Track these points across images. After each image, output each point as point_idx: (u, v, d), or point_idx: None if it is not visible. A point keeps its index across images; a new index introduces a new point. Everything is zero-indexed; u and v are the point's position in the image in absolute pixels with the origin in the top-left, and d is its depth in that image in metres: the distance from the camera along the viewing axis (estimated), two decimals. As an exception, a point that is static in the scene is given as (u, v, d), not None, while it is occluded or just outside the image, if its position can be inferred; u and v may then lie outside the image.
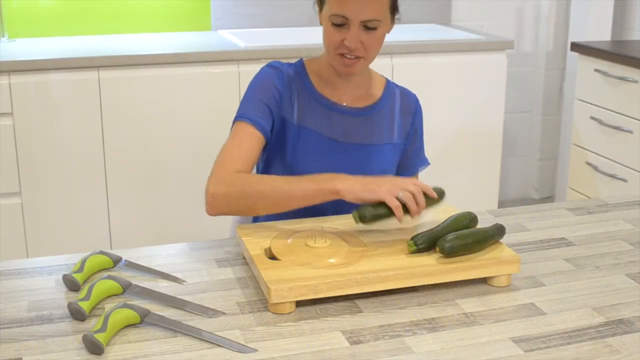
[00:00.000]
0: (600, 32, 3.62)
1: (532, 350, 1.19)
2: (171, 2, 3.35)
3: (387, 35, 1.69)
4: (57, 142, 2.82)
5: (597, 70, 3.20)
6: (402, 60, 3.10)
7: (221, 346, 1.19)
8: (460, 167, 3.32)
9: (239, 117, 1.69)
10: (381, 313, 1.30)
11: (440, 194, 1.55)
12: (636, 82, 3.00)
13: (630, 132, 3.05)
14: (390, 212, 1.46)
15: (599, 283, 1.43)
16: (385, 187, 1.47)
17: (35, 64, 2.74)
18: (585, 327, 1.27)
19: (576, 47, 3.31)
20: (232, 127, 1.70)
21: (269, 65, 1.76)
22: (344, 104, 1.75)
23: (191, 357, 1.16)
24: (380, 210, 1.47)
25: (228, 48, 2.98)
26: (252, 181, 1.57)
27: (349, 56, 1.64)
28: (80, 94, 2.81)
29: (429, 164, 1.88)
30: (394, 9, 1.67)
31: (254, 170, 1.76)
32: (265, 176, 1.65)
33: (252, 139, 1.66)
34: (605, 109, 3.19)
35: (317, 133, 1.72)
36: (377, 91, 1.79)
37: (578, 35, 3.66)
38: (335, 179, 1.51)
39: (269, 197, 1.55)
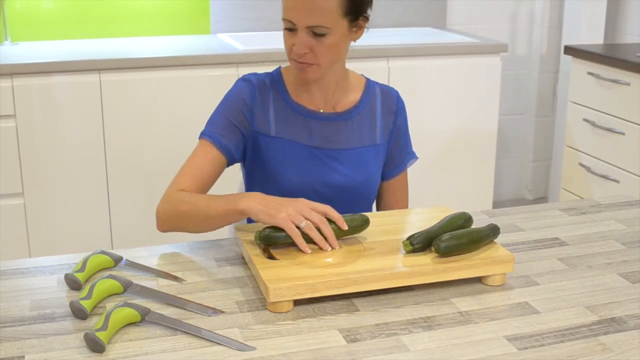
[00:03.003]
0: (593, 36, 3.63)
1: (526, 348, 1.21)
2: (171, 5, 3.36)
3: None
4: (59, 143, 2.83)
5: (590, 73, 3.22)
6: (398, 63, 3.11)
7: (220, 344, 1.20)
8: (456, 168, 3.34)
9: (202, 135, 1.69)
10: (378, 312, 1.31)
11: (362, 222, 1.48)
12: (628, 84, 3.01)
13: (623, 133, 3.07)
14: (290, 238, 1.41)
15: (592, 282, 1.44)
16: (284, 213, 1.41)
17: (38, 66, 2.76)
18: (578, 325, 1.28)
19: (569, 50, 3.32)
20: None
21: (242, 79, 1.74)
22: (322, 110, 1.72)
23: (191, 355, 1.17)
24: (280, 234, 1.42)
25: (227, 51, 2.99)
26: (184, 201, 1.57)
27: (300, 61, 1.62)
28: (82, 96, 2.82)
29: (417, 158, 1.86)
30: (349, 15, 1.60)
31: (241, 187, 1.74)
32: (194, 195, 1.59)
33: (208, 158, 1.65)
34: (598, 111, 3.20)
35: (295, 143, 1.70)
36: (356, 93, 1.76)
37: (571, 38, 3.67)
38: (243, 198, 1.48)
39: (193, 216, 1.55)
